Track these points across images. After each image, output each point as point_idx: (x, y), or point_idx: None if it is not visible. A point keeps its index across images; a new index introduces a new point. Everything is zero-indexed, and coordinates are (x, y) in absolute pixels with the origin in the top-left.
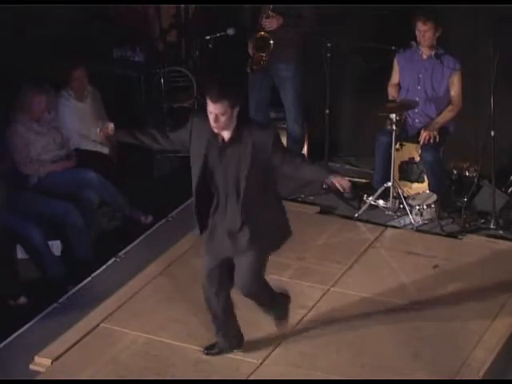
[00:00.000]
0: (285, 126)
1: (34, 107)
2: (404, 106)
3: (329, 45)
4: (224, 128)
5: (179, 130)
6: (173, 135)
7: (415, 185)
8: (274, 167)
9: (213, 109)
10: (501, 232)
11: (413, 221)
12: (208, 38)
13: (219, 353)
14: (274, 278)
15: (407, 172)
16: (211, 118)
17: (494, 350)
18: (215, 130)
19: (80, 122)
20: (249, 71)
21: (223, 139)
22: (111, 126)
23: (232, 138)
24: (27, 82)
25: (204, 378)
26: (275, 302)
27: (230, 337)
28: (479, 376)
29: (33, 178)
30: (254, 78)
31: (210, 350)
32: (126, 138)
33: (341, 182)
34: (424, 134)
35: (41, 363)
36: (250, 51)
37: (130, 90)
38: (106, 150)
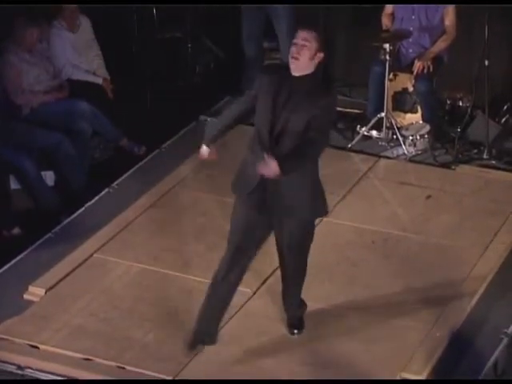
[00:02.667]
0: (278, 56)
1: (27, 38)
2: (398, 36)
3: None
4: (301, 66)
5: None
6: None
7: (408, 115)
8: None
9: (300, 36)
10: (493, 162)
11: (406, 151)
12: None
13: (195, 346)
14: None
15: (401, 102)
16: (293, 48)
17: (486, 279)
18: (292, 65)
19: (72, 53)
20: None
21: (293, 76)
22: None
23: (301, 79)
24: (20, 13)
25: (197, 308)
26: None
27: (212, 332)
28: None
29: (25, 109)
30: (247, 7)
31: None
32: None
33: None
34: (418, 64)
35: (34, 293)
36: None
37: (121, 20)
38: (99, 80)
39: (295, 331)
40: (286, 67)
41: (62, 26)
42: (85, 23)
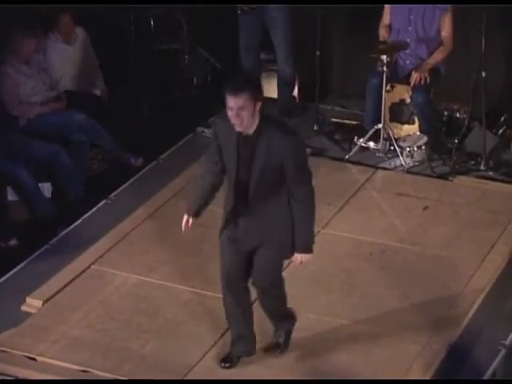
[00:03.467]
0: (275, 67)
1: (24, 49)
2: (395, 48)
3: None
4: (247, 126)
5: (207, 153)
6: (209, 158)
7: (406, 126)
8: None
9: (233, 103)
10: (491, 173)
11: (403, 162)
12: None
13: (237, 360)
14: None
15: (398, 114)
16: (232, 114)
17: (484, 290)
18: (237, 129)
19: (69, 65)
20: (240, 12)
21: (245, 135)
22: None
23: (252, 135)
24: (17, 25)
25: (194, 319)
26: (286, 312)
27: (247, 342)
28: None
29: (22, 120)
30: (244, 19)
31: (226, 362)
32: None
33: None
34: (415, 76)
35: (32, 304)
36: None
37: (119, 31)
38: (97, 92)
39: (278, 351)
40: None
41: (57, 39)
42: (81, 35)
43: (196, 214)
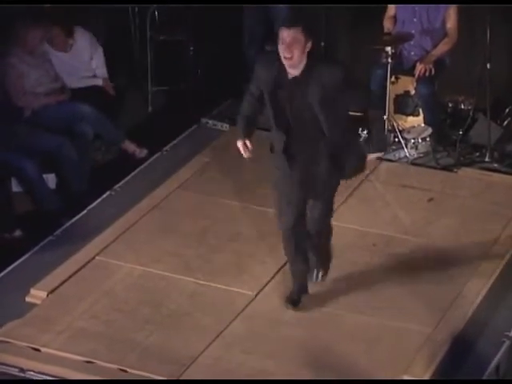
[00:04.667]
0: None
1: (29, 40)
2: (400, 39)
3: None
4: (295, 63)
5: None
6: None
7: (410, 118)
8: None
9: (286, 35)
10: (495, 165)
11: (408, 154)
12: None
13: (300, 297)
14: (270, 210)
15: (402, 105)
16: (283, 48)
17: (489, 280)
18: (286, 64)
19: (68, 69)
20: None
21: (292, 77)
22: None
23: (300, 76)
24: (22, 15)
25: (199, 311)
26: (328, 251)
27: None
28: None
29: (26, 111)
30: (247, 8)
31: (292, 302)
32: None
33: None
34: (419, 67)
35: (36, 295)
36: None
37: (123, 22)
38: (99, 82)
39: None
40: (277, 67)
41: (51, 49)
42: (79, 39)
43: (248, 136)
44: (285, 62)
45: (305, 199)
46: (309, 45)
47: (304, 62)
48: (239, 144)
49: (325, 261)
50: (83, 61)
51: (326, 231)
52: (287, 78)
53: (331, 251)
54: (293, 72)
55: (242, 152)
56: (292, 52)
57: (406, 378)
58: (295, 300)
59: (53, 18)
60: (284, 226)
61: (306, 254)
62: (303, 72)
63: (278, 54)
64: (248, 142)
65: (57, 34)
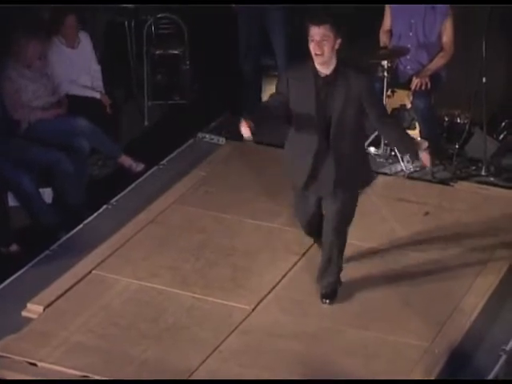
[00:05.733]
0: (276, 73)
1: (28, 54)
2: (396, 53)
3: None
4: (326, 59)
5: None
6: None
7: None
8: (366, 115)
9: (316, 32)
10: (491, 179)
11: (404, 168)
12: None
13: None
14: (266, 225)
15: (399, 119)
16: (313, 45)
17: (486, 294)
18: (317, 61)
19: (71, 69)
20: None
21: (323, 75)
22: None
23: (331, 75)
24: (21, 28)
25: (196, 325)
26: (340, 256)
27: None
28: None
29: (23, 125)
30: (243, 22)
31: (328, 297)
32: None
33: (426, 159)
34: (416, 81)
35: (33, 310)
36: None
37: (120, 36)
38: (96, 95)
39: (327, 301)
40: (309, 67)
41: (61, 43)
42: (84, 40)
43: (255, 121)
44: (315, 59)
45: (319, 203)
46: (338, 41)
47: (334, 60)
48: (242, 123)
49: (334, 267)
50: (86, 61)
51: (338, 242)
52: (319, 77)
53: (340, 259)
54: (324, 71)
55: (242, 131)
56: (322, 49)
57: None
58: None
59: (68, 7)
60: (301, 225)
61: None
62: (334, 71)
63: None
64: (251, 124)
65: (72, 24)
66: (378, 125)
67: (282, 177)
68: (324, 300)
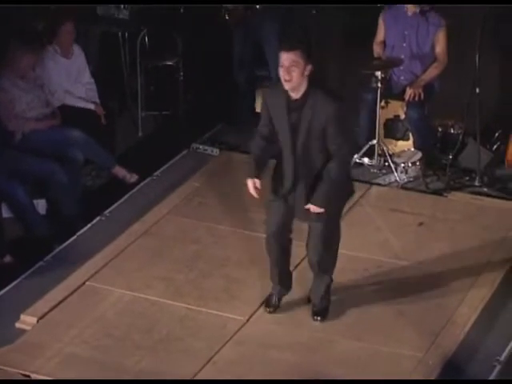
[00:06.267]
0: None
1: (22, 65)
2: (389, 64)
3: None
4: (295, 85)
5: (260, 124)
6: (262, 127)
7: (400, 142)
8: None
9: (285, 58)
10: (485, 189)
11: (398, 178)
12: None
13: (279, 301)
14: (260, 235)
15: (392, 129)
16: (282, 71)
17: (480, 305)
18: (286, 87)
19: (65, 78)
20: (225, 19)
21: (294, 99)
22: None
23: (300, 99)
24: (16, 39)
25: (190, 336)
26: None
27: (286, 281)
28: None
29: (17, 135)
30: (237, 34)
31: (270, 306)
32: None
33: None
34: (409, 92)
35: (26, 321)
36: (230, 5)
37: (113, 47)
38: (91, 106)
39: (318, 318)
40: (282, 90)
41: (56, 52)
42: (77, 51)
43: (258, 175)
44: (285, 84)
45: (291, 216)
46: (308, 68)
47: (305, 85)
48: (249, 183)
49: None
50: (80, 72)
51: (324, 261)
52: (290, 100)
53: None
54: (294, 95)
55: (251, 191)
56: (291, 75)
57: None
58: (274, 304)
59: (66, 14)
60: (268, 231)
61: (289, 257)
62: (303, 95)
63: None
64: (258, 183)
65: (70, 31)
66: (331, 151)
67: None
68: (315, 317)
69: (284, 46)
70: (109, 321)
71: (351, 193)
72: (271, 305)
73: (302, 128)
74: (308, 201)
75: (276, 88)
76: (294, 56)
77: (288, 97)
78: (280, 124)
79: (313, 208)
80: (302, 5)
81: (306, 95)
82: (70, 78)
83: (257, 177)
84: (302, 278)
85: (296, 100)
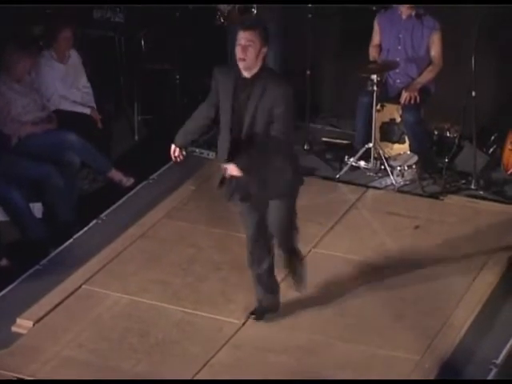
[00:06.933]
0: None
1: (19, 69)
2: (385, 67)
3: (310, 5)
4: (249, 64)
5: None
6: (207, 101)
7: (396, 145)
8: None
9: (242, 37)
10: (481, 192)
11: (394, 182)
12: None
13: (264, 314)
14: None
15: (388, 133)
16: (238, 49)
17: (475, 309)
18: (240, 65)
19: (61, 83)
20: (219, 23)
21: (243, 78)
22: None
23: (250, 79)
24: (13, 43)
25: (186, 339)
26: (300, 260)
27: (270, 297)
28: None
29: (13, 139)
30: (233, 36)
31: (254, 313)
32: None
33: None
34: (405, 95)
35: (23, 325)
36: (224, 9)
37: (109, 51)
38: (87, 111)
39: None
40: (234, 68)
41: (51, 57)
42: (74, 56)
43: (181, 146)
44: (239, 63)
45: (263, 207)
46: (264, 50)
47: (258, 66)
48: (172, 148)
49: (295, 273)
50: (77, 77)
51: (286, 240)
52: (240, 79)
53: (298, 263)
54: (246, 74)
55: (172, 157)
56: (246, 53)
57: None
58: (260, 313)
59: (65, 19)
60: (247, 233)
61: (272, 255)
62: (254, 75)
63: (231, 67)
64: (178, 151)
65: (68, 37)
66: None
67: None
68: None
69: (242, 25)
70: (105, 324)
71: (301, 182)
72: (256, 313)
73: (249, 107)
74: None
75: (227, 66)
76: (251, 35)
77: (239, 75)
78: (227, 102)
79: (230, 169)
80: (298, 5)
81: (257, 75)
82: (65, 83)
83: (180, 148)
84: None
85: (247, 79)
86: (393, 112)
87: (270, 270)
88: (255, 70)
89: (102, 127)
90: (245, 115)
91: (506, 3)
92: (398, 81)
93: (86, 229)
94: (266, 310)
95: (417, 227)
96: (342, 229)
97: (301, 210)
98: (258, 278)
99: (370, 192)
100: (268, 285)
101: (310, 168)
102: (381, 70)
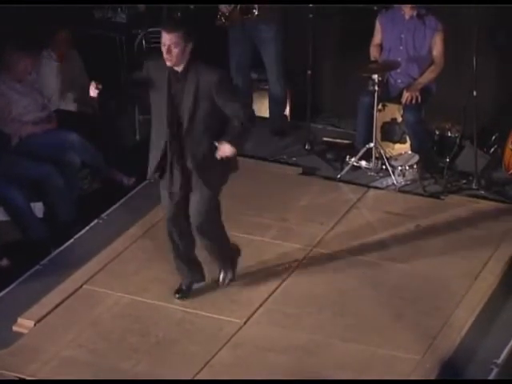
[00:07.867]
0: (267, 87)
1: (19, 69)
2: (386, 67)
3: (311, 5)
4: (176, 61)
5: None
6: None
7: (397, 145)
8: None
9: (167, 38)
10: (482, 192)
11: (395, 181)
12: None
13: (189, 289)
14: (257, 238)
15: (389, 133)
16: (164, 49)
17: (476, 309)
18: (167, 63)
19: (60, 83)
20: (221, 24)
21: (175, 72)
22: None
23: (182, 72)
24: (13, 43)
25: (187, 338)
26: (225, 251)
27: (194, 271)
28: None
29: (14, 139)
30: (234, 37)
31: (180, 292)
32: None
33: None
34: (406, 95)
35: (24, 325)
36: (225, 9)
37: (111, 51)
38: (88, 110)
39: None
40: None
41: (51, 57)
42: (73, 56)
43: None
44: (166, 61)
45: (184, 195)
46: (189, 45)
47: (186, 59)
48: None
49: (224, 263)
50: (76, 76)
51: (209, 230)
52: (173, 72)
53: (228, 254)
54: (176, 69)
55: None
56: (171, 54)
57: None
58: (184, 290)
59: (64, 22)
60: (166, 216)
61: (191, 242)
62: (185, 68)
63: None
64: (94, 86)
65: (66, 38)
66: (232, 119)
67: (271, 190)
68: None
69: (165, 27)
70: (106, 324)
71: (235, 169)
72: (180, 291)
73: (186, 100)
74: (186, 178)
75: (160, 61)
76: (174, 37)
77: (172, 69)
78: (160, 97)
79: (223, 149)
80: (299, 5)
81: (187, 69)
82: (64, 82)
83: (97, 88)
84: (301, 279)
85: (177, 72)
86: (394, 112)
87: (190, 247)
88: (184, 65)
89: (102, 126)
90: (182, 109)
91: (506, 3)
92: (399, 81)
93: (86, 229)
94: (190, 287)
95: (418, 227)
96: (342, 228)
97: (302, 210)
98: (178, 256)
99: (371, 192)
100: (190, 262)
101: (311, 168)
102: (382, 69)
